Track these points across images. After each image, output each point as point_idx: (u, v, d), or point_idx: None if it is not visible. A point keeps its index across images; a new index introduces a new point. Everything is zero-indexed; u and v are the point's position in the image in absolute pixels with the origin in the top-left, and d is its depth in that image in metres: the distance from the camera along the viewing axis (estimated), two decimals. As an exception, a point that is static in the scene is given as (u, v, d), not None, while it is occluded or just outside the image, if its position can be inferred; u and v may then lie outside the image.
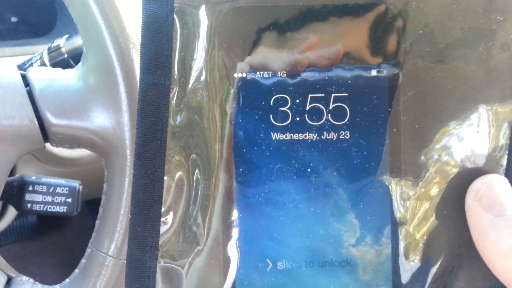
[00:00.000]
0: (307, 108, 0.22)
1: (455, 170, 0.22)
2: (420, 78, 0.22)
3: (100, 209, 0.32)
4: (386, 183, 0.22)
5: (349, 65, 0.22)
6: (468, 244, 0.22)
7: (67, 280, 0.32)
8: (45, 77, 0.31)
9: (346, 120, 0.22)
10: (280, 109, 0.22)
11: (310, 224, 0.22)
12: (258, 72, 0.22)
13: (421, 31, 0.22)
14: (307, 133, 0.22)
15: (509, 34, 0.22)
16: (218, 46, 0.22)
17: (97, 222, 0.32)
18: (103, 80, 0.30)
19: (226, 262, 0.22)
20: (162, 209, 0.22)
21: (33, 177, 0.38)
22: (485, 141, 0.22)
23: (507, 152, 0.22)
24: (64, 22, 0.64)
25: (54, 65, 0.41)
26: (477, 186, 0.21)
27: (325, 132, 0.22)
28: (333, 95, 0.22)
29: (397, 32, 0.22)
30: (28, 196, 0.37)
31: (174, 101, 0.22)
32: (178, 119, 0.22)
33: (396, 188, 0.22)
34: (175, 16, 0.22)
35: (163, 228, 0.22)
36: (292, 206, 0.22)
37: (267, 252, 0.23)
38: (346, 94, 0.22)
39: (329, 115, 0.22)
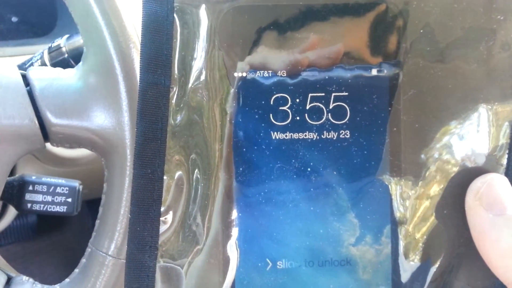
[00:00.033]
0: (307, 107, 0.22)
1: (455, 169, 0.22)
2: (420, 77, 0.22)
3: (100, 209, 0.32)
4: (386, 183, 0.22)
5: (350, 64, 0.22)
6: (468, 243, 0.22)
7: (67, 280, 0.32)
8: (46, 77, 0.31)
9: (346, 119, 0.22)
10: (280, 108, 0.22)
11: (310, 223, 0.22)
12: (258, 72, 0.22)
13: (421, 31, 0.22)
14: (307, 132, 0.22)
15: (509, 34, 0.22)
16: (218, 46, 0.22)
17: (97, 221, 0.32)
18: (104, 79, 0.30)
19: (226, 261, 0.22)
20: (162, 209, 0.22)
21: (33, 177, 0.38)
22: (486, 140, 0.22)
23: (507, 152, 0.22)
24: (64, 22, 0.64)
25: (54, 65, 0.41)
26: (477, 185, 0.21)
27: (325, 132, 0.22)
28: (333, 94, 0.22)
29: (398, 31, 0.22)
30: (28, 196, 0.37)
31: (174, 101, 0.22)
32: (178, 118, 0.22)
33: (396, 188, 0.22)
34: (175, 15, 0.22)
35: (162, 228, 0.22)
36: (292, 205, 0.22)
37: (266, 251, 0.23)
38: (346, 94, 0.22)
39: (329, 114, 0.22)
